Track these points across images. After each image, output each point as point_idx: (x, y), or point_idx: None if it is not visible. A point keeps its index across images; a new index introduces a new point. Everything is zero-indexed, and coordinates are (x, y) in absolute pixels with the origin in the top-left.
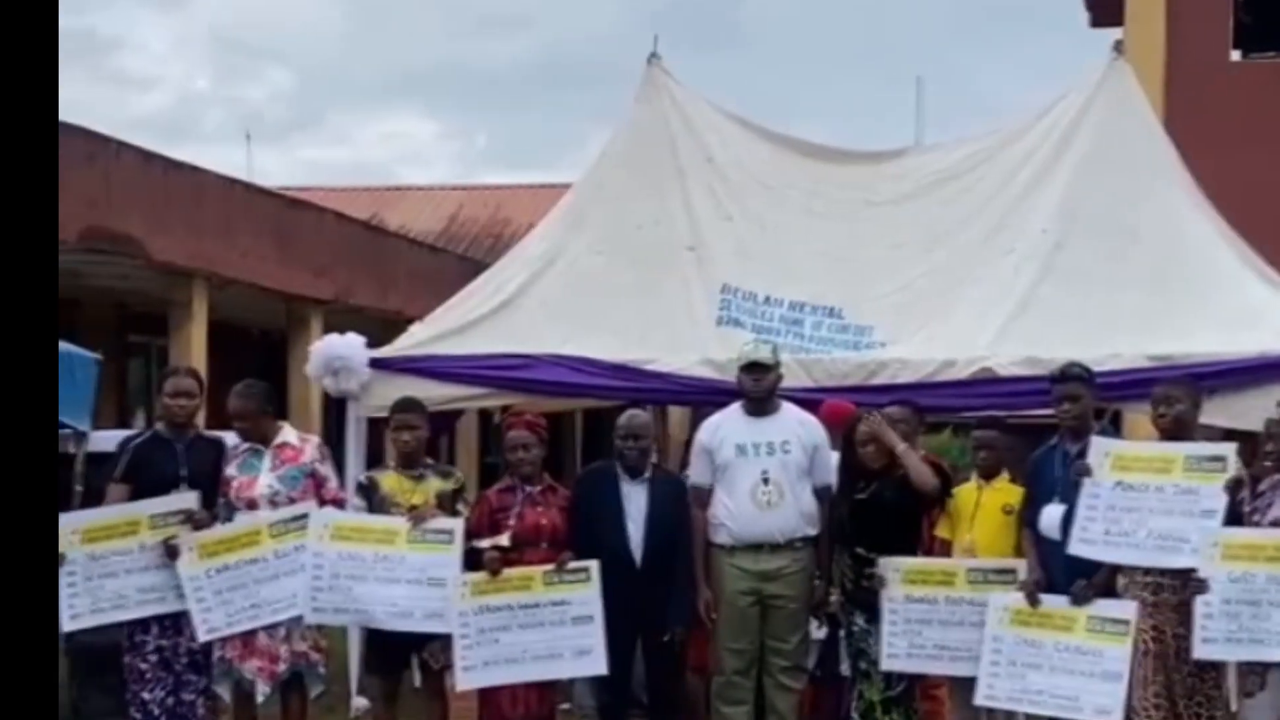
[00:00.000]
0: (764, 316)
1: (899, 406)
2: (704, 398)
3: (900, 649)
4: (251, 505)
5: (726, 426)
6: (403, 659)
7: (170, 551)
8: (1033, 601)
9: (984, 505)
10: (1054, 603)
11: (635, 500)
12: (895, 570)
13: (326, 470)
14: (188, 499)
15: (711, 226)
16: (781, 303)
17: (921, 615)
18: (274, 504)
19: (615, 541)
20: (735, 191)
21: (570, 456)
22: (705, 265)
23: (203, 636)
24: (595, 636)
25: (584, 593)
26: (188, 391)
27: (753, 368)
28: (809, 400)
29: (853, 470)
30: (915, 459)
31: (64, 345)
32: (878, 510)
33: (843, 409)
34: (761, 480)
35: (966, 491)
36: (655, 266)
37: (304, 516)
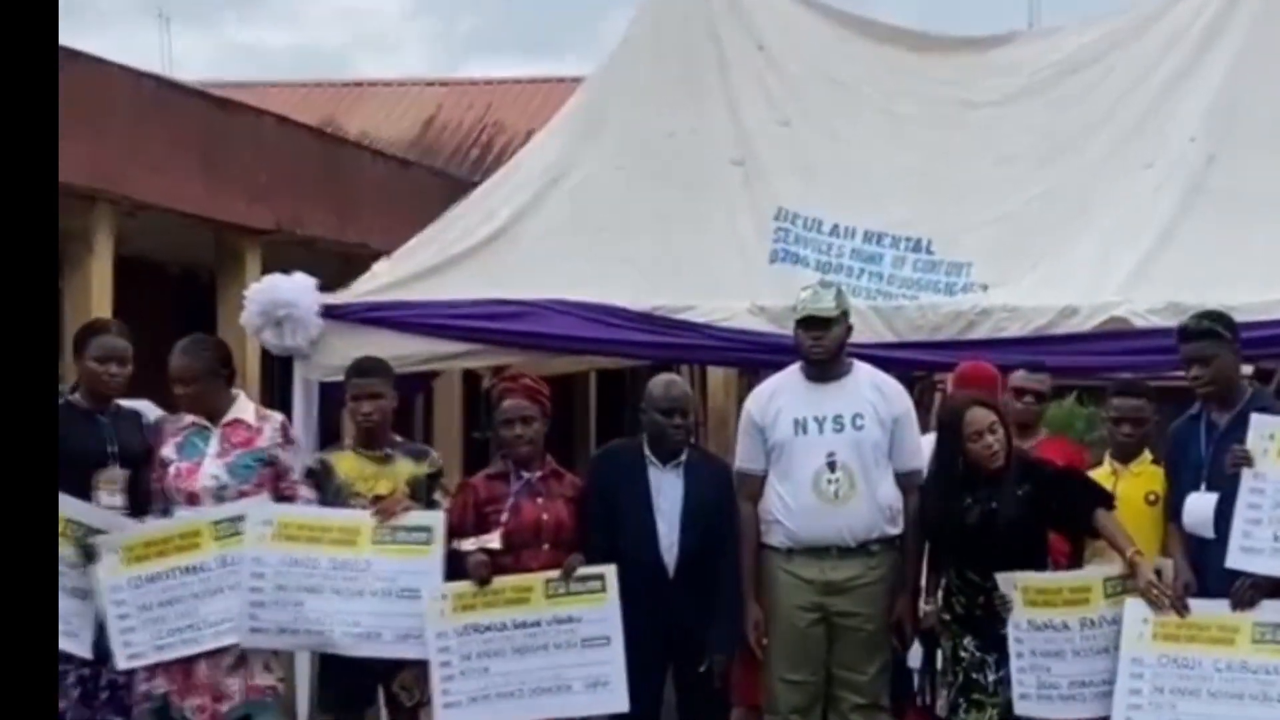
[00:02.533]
0: (831, 251)
1: (1027, 372)
2: (754, 356)
3: (1030, 688)
4: (192, 499)
5: (782, 396)
6: (366, 694)
7: (87, 554)
8: (1179, 611)
9: (1123, 495)
10: (1208, 609)
11: (668, 491)
12: (1012, 588)
13: (290, 459)
14: (113, 477)
15: (764, 135)
16: (853, 233)
17: (1049, 645)
18: (220, 500)
19: (641, 543)
20: (794, 89)
21: (580, 433)
22: (756, 185)
23: (122, 663)
24: (613, 664)
25: (598, 607)
26: (121, 356)
27: (810, 323)
28: (889, 360)
29: (956, 470)
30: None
31: None
32: (994, 532)
33: (984, 373)
34: (827, 465)
35: (1100, 478)
36: (691, 186)
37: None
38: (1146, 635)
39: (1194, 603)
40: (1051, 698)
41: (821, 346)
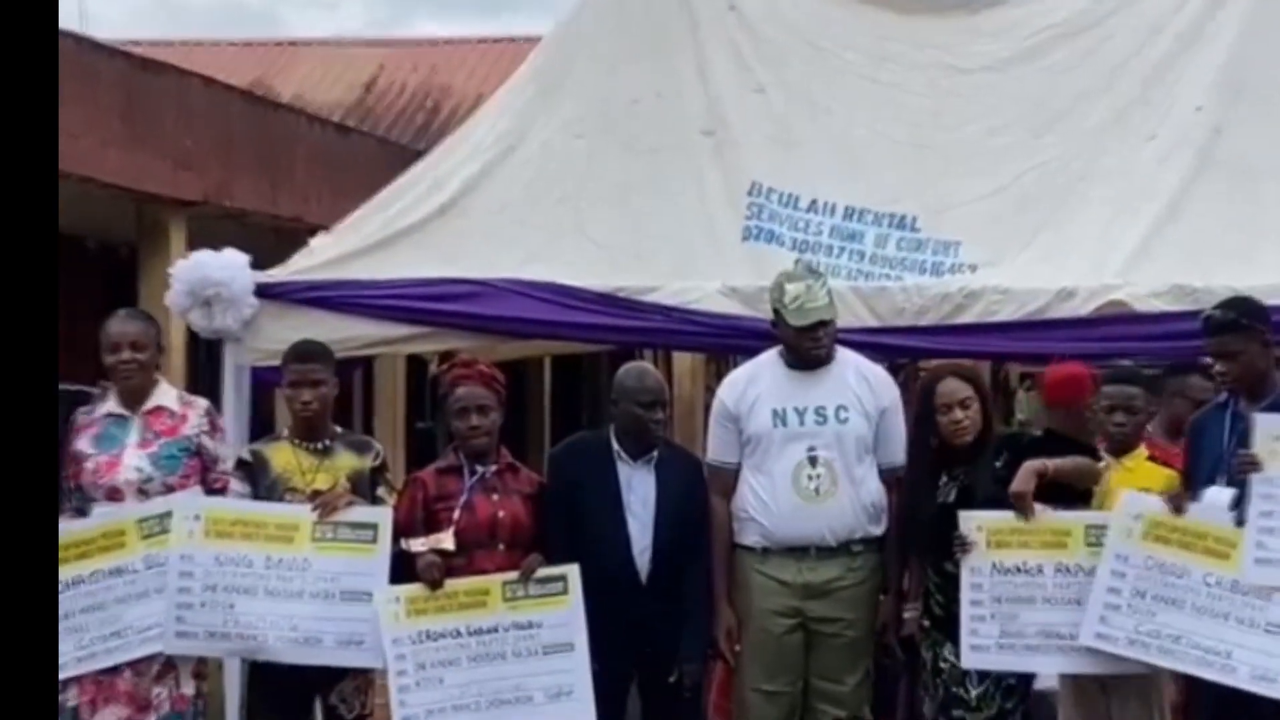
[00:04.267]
0: (808, 228)
1: (1118, 385)
2: (724, 341)
3: (987, 638)
4: (113, 495)
5: (760, 383)
6: (302, 705)
7: None
8: (1178, 508)
9: (1116, 493)
10: (1209, 518)
11: (639, 489)
12: (978, 529)
13: (217, 447)
14: None
15: (736, 101)
16: (833, 209)
17: (1018, 591)
18: (144, 495)
19: (611, 546)
20: (770, 52)
21: (534, 424)
22: (728, 156)
23: None
24: (577, 672)
25: (560, 611)
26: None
27: (811, 327)
28: (870, 345)
29: (928, 449)
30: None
31: None
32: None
33: (1077, 378)
34: (808, 459)
35: None
36: (657, 157)
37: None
38: (1136, 532)
39: (1195, 507)
40: (1015, 647)
41: (823, 347)
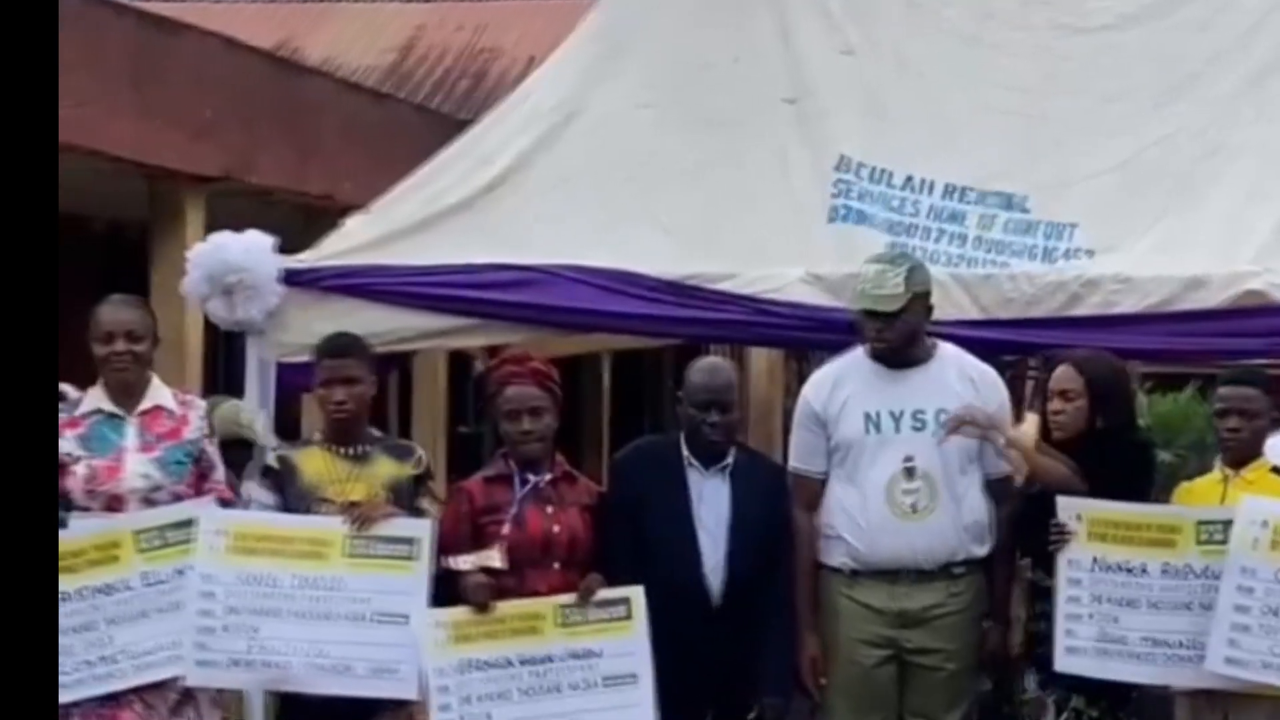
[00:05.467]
0: (903, 208)
1: (1234, 386)
2: (807, 335)
3: (1084, 640)
4: (114, 504)
5: (850, 384)
6: None
7: None
8: None
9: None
10: None
11: (711, 500)
12: (1077, 518)
13: (213, 452)
14: None
15: (823, 66)
16: (931, 187)
17: (1120, 591)
18: (151, 504)
19: (681, 564)
20: (861, 9)
21: (591, 428)
22: (813, 127)
23: None
24: (641, 708)
25: (622, 638)
26: None
27: (872, 310)
28: (973, 340)
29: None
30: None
31: None
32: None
33: None
34: (903, 471)
35: (1206, 486)
36: (734, 129)
37: (191, 523)
38: (1264, 542)
39: None
40: (1112, 653)
41: (885, 340)
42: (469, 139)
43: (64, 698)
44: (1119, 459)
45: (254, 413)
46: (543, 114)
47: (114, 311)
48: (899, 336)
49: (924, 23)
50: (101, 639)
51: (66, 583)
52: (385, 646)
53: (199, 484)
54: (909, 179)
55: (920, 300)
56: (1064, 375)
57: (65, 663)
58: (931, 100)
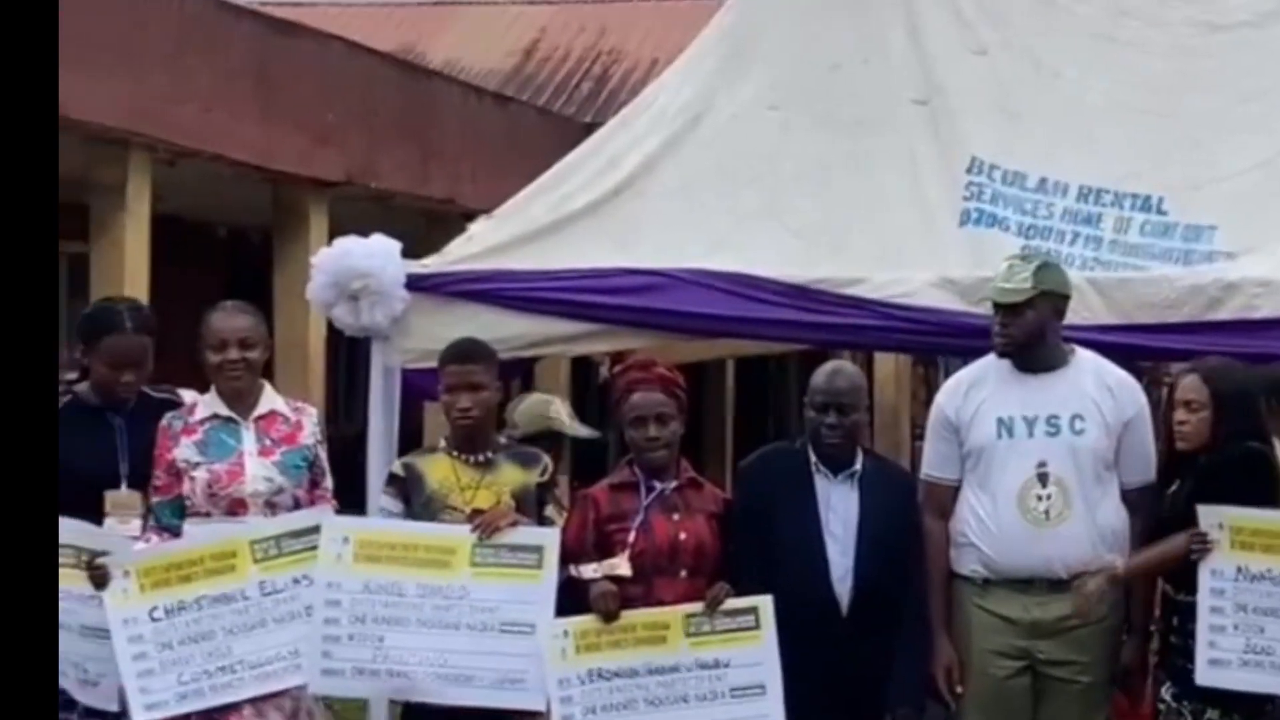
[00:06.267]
0: (1037, 211)
1: None
2: (938, 341)
3: (1229, 652)
4: (236, 509)
5: (984, 389)
6: None
7: (96, 579)
8: None
9: None
10: None
11: (839, 507)
12: (1219, 527)
13: (324, 460)
14: (130, 501)
15: (954, 65)
16: (1065, 189)
17: (1267, 601)
18: (273, 507)
19: (808, 572)
20: (993, 8)
21: (714, 434)
22: (943, 128)
23: (139, 716)
24: (770, 718)
25: (750, 648)
26: (137, 359)
27: (997, 305)
28: (1109, 345)
29: (1161, 450)
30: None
31: None
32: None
33: None
34: (1037, 477)
35: None
36: (863, 130)
37: (313, 530)
38: None
39: None
40: (1262, 665)
41: (1007, 336)
42: (594, 142)
43: (182, 708)
44: (1240, 471)
45: (562, 405)
46: (669, 117)
47: (227, 319)
48: (1022, 332)
49: (1057, 21)
50: (220, 649)
51: (184, 592)
52: (510, 656)
53: (310, 490)
54: (1043, 181)
55: (1049, 299)
56: (1190, 385)
57: (184, 672)
58: (1066, 100)
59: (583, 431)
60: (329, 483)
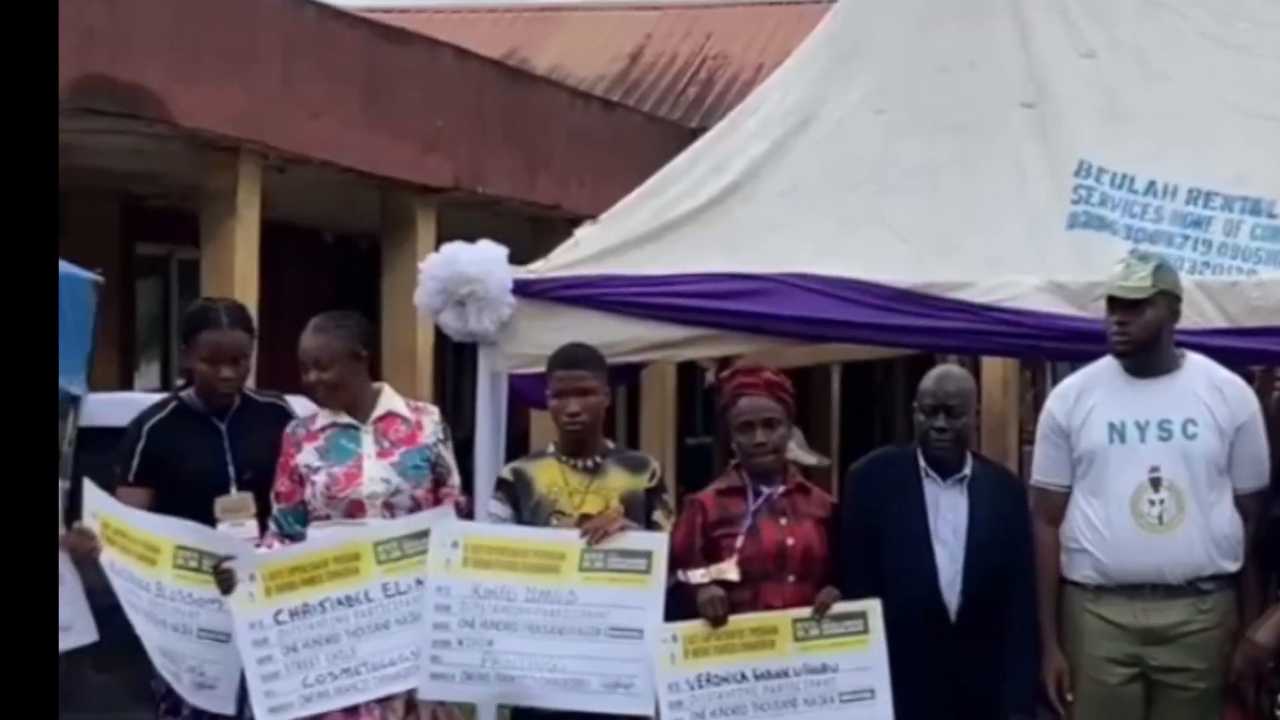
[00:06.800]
0: (1145, 214)
1: None
2: (1045, 345)
3: None
4: (354, 510)
5: (1095, 394)
6: None
7: (223, 582)
8: None
9: None
10: None
11: (948, 511)
12: None
13: (449, 458)
14: (241, 504)
15: (1062, 68)
16: (1174, 192)
17: None
18: (391, 508)
19: (916, 577)
20: (1101, 11)
21: (821, 437)
22: (1051, 131)
23: (265, 717)
24: None
25: (859, 652)
26: (234, 354)
27: (1114, 303)
28: (1219, 349)
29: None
30: None
31: None
32: None
33: None
34: (1149, 482)
35: None
36: (970, 133)
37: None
38: None
39: None
40: None
41: (1126, 335)
42: (700, 147)
43: (307, 710)
44: None
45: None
46: (775, 121)
47: (304, 340)
48: (1142, 331)
49: (1165, 23)
50: (344, 651)
51: (308, 594)
52: (620, 661)
53: (435, 490)
54: (1151, 184)
55: (1166, 299)
56: None
57: (308, 675)
58: (1174, 103)
59: (811, 460)
60: (455, 479)
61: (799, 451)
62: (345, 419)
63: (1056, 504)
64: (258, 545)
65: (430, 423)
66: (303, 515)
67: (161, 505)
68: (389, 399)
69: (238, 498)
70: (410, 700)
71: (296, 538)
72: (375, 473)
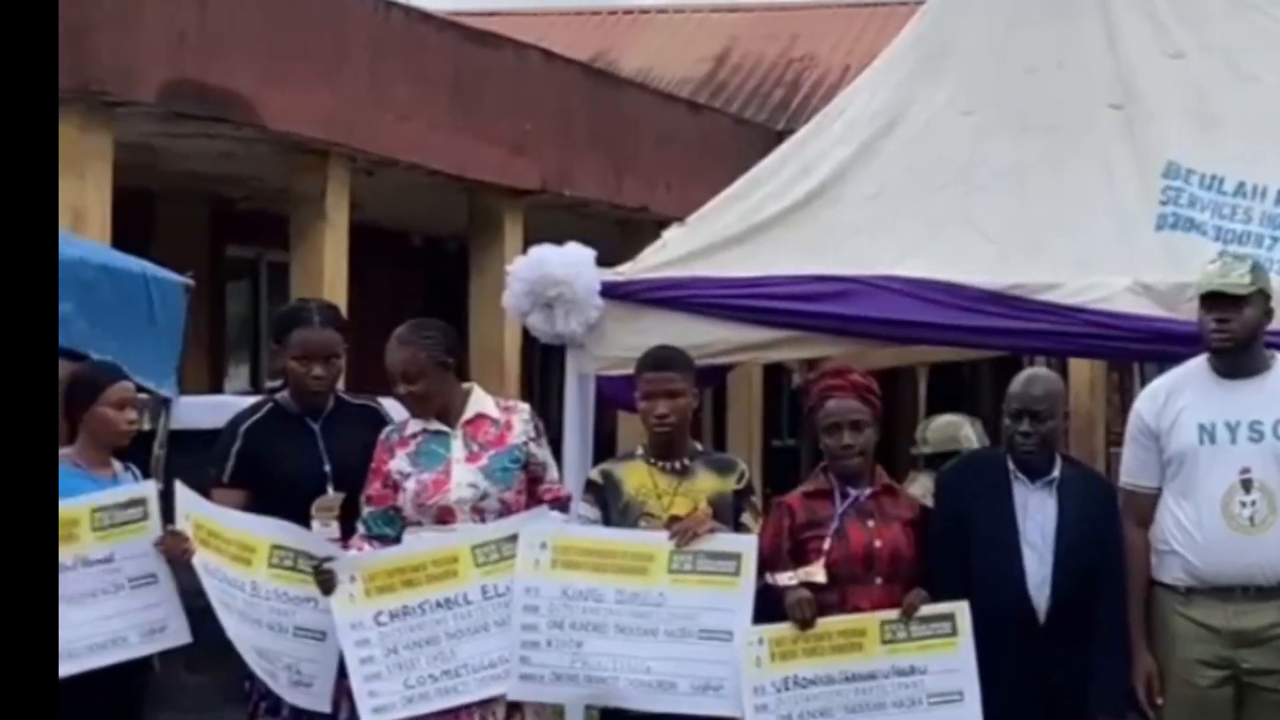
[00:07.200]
0: (1234, 215)
1: None
2: (1133, 347)
3: None
4: (444, 517)
5: (1185, 395)
6: None
7: (324, 583)
8: None
9: None
10: None
11: (1037, 514)
12: None
13: (543, 454)
14: (334, 504)
15: (1150, 69)
16: (1264, 193)
17: None
18: (480, 513)
19: (1004, 579)
20: (1190, 12)
21: (907, 439)
22: (1139, 132)
23: (369, 717)
24: None
25: (947, 655)
26: (326, 352)
27: (1215, 301)
28: None
29: None
30: None
31: (136, 263)
32: None
33: None
34: (1240, 483)
35: None
36: (1057, 135)
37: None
38: None
39: None
40: None
41: (1227, 331)
42: (787, 149)
43: (409, 711)
44: None
45: (972, 427)
46: (862, 123)
47: (392, 353)
48: (1242, 328)
49: (1254, 24)
50: (444, 653)
51: (408, 597)
52: (709, 663)
53: (530, 489)
54: (1240, 185)
55: (1263, 299)
56: None
57: (409, 676)
58: (1264, 104)
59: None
60: (554, 474)
61: (980, 445)
62: (435, 425)
63: (1146, 506)
64: (343, 546)
65: (520, 421)
66: (391, 519)
67: (257, 506)
68: (478, 400)
69: (332, 497)
70: (513, 701)
71: (384, 540)
72: (463, 478)
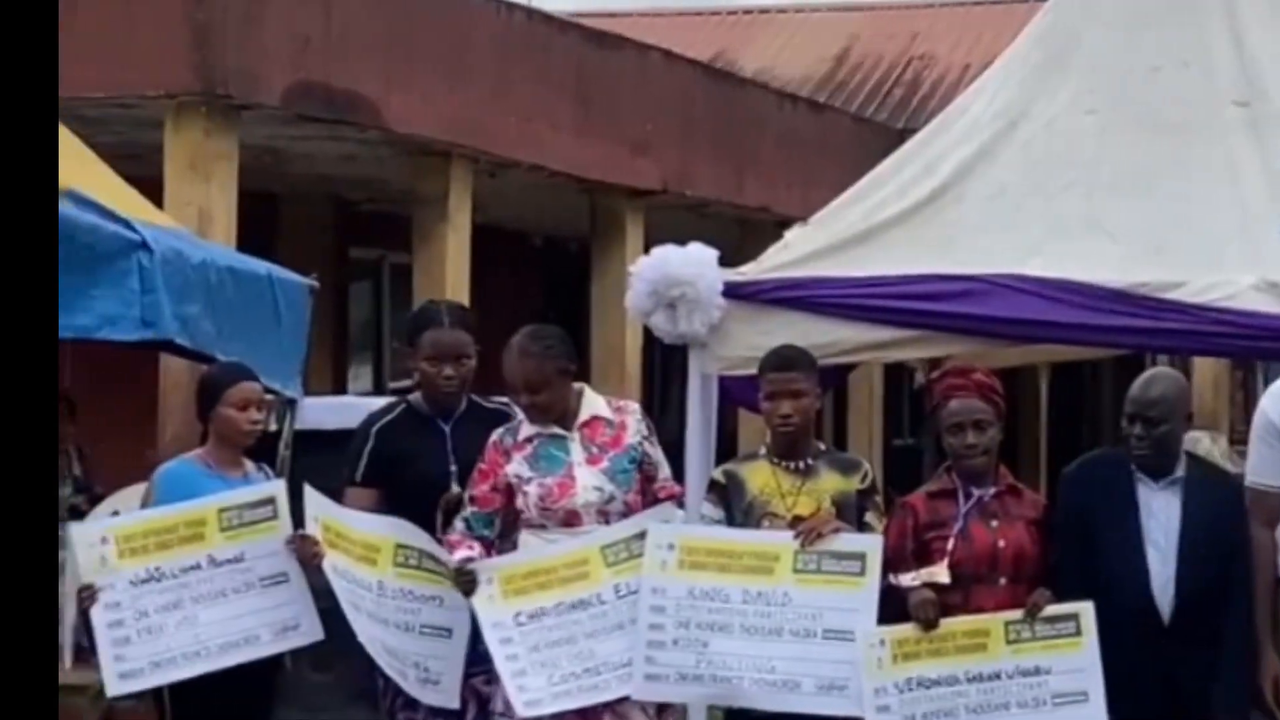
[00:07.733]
0: None
1: None
2: (1258, 345)
3: None
4: (570, 520)
5: None
6: None
7: (464, 585)
8: None
9: None
10: None
11: (1160, 514)
12: None
13: (656, 453)
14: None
15: (1276, 67)
16: None
17: None
18: (605, 515)
19: (1129, 580)
20: None
21: (1028, 440)
22: (1265, 131)
23: (523, 711)
24: None
25: (1072, 655)
26: (455, 353)
27: None
28: None
29: None
30: None
31: (261, 265)
32: None
33: None
34: None
35: None
36: (1182, 134)
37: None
38: None
39: None
40: None
41: None
42: (910, 149)
43: (558, 706)
44: None
45: (1213, 442)
46: (985, 122)
47: (513, 363)
48: None
49: None
50: (583, 652)
51: (543, 599)
52: (833, 663)
53: (644, 488)
54: None
55: None
56: None
57: (553, 673)
58: None
59: (1231, 469)
60: (666, 471)
61: (1222, 460)
62: (552, 428)
63: (1273, 505)
64: (442, 543)
65: (634, 421)
66: (490, 521)
67: (388, 506)
68: (591, 402)
69: (456, 495)
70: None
71: (482, 541)
72: (588, 481)
